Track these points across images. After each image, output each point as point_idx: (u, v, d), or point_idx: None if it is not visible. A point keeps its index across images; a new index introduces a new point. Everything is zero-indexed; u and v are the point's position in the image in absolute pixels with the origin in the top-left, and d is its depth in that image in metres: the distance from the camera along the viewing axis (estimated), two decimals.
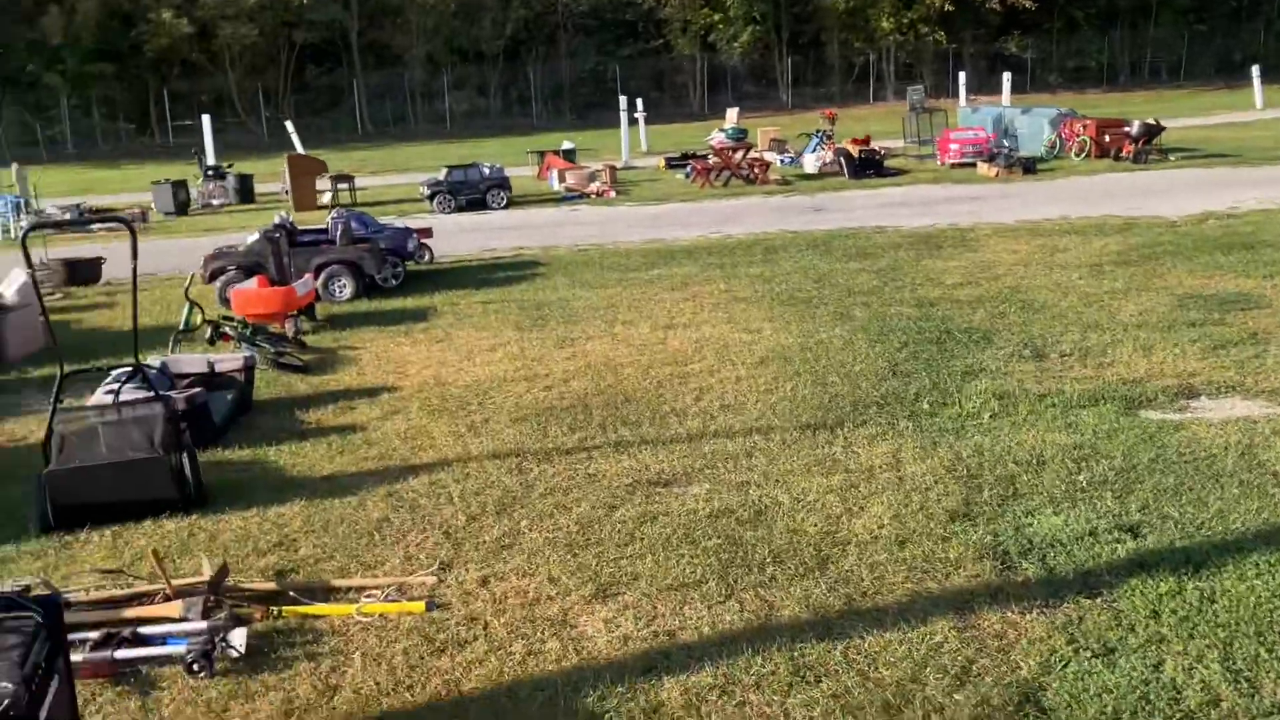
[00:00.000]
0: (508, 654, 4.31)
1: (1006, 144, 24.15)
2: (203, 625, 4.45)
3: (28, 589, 4.79)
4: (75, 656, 4.26)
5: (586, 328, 10.08)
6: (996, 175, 22.44)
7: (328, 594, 4.88)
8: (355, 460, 6.70)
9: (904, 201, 18.82)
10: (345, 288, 12.34)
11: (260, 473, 6.54)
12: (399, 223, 14.64)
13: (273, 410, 7.93)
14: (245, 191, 27.21)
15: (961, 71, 40.38)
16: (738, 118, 33.49)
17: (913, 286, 11.25)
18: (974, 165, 23.55)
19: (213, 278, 12.26)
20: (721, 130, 30.22)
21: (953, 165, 24.13)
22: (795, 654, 4.16)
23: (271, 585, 4.91)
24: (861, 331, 9.26)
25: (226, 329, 9.39)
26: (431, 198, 22.18)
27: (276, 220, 13.13)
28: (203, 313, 9.91)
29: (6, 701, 3.05)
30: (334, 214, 13.36)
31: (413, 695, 4.06)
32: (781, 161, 27.42)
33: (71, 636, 4.41)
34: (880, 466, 6.07)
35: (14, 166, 25.13)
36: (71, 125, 50.90)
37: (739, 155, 24.68)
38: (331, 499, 6.01)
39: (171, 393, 7.09)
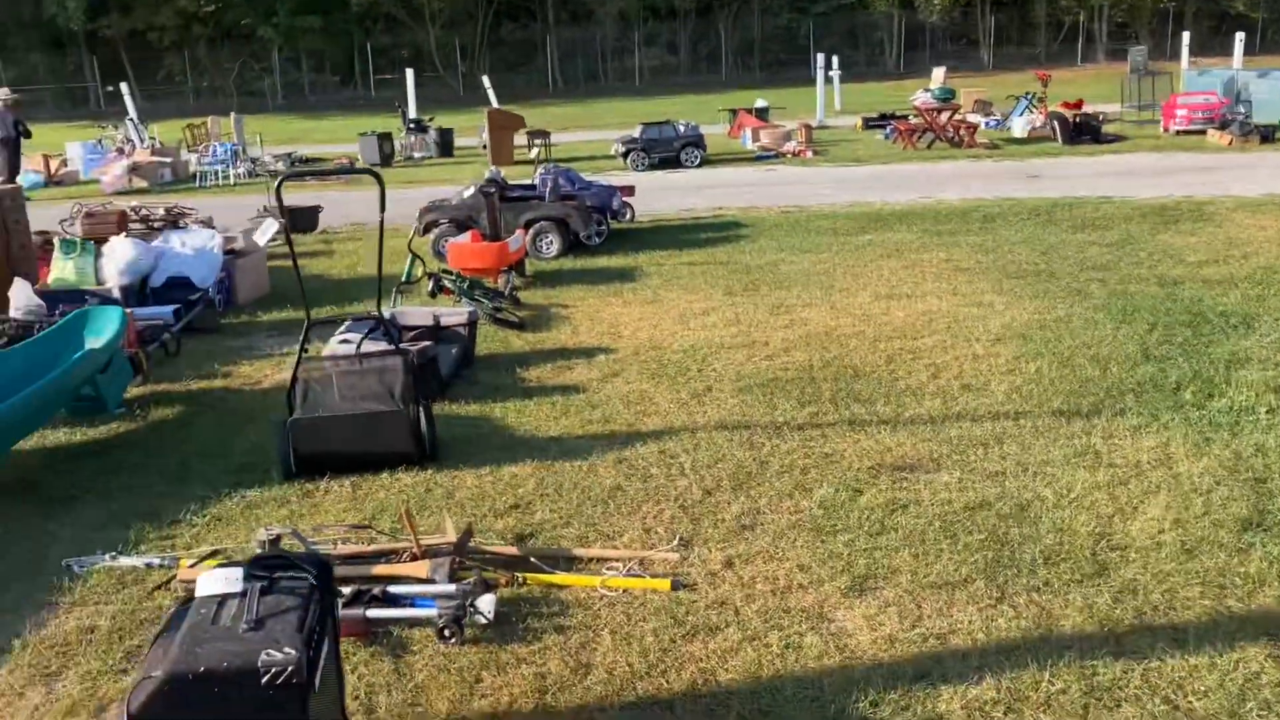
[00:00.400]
0: (764, 645, 4.06)
1: (1241, 110, 22.34)
2: (452, 588, 4.36)
3: (278, 539, 4.81)
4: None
5: (801, 294, 9.72)
6: (1230, 144, 20.84)
7: (569, 563, 4.73)
8: (580, 423, 6.56)
9: (1128, 170, 17.65)
10: (553, 244, 12.29)
11: (488, 430, 6.47)
12: (601, 180, 14.50)
13: (492, 366, 7.89)
14: (445, 145, 27.72)
15: (1184, 31, 37.71)
16: (944, 78, 32.14)
17: (1151, 263, 10.44)
18: (1203, 133, 21.94)
19: (426, 230, 12.37)
20: (926, 90, 29.04)
21: (1178, 132, 22.55)
22: (1086, 672, 3.78)
23: (514, 550, 4.79)
24: (1102, 310, 8.61)
25: (446, 283, 9.42)
26: (625, 155, 22.06)
27: (488, 175, 13.18)
28: (424, 265, 9.98)
29: (289, 669, 2.97)
30: (542, 170, 13.32)
31: (667, 681, 3.87)
32: (986, 124, 26.19)
33: None
34: (1149, 463, 5.55)
35: (233, 116, 26.28)
36: (281, 77, 53.16)
37: (944, 117, 23.65)
38: (562, 462, 5.88)
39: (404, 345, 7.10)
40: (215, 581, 3.31)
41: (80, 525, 5.37)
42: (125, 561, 4.90)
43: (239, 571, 3.32)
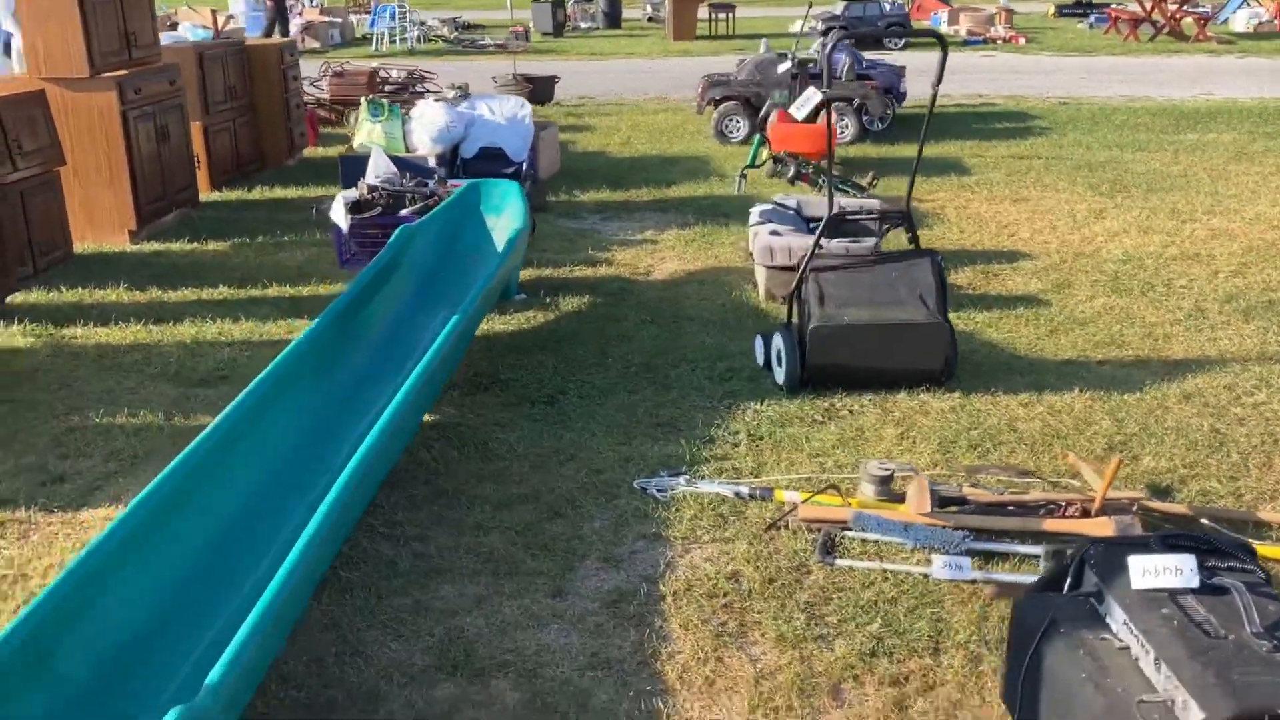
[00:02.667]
0: None
1: None
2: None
3: (892, 476, 4.04)
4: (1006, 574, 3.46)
5: (1190, 199, 8.68)
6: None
7: (1251, 527, 3.88)
8: (1081, 342, 5.73)
9: None
10: (847, 129, 11.24)
11: (973, 346, 5.64)
12: (884, 59, 13.31)
13: None
14: (613, 17, 26.48)
15: None
16: None
17: None
18: None
19: (714, 106, 11.41)
20: None
21: None
22: None
23: (1183, 508, 3.95)
24: None
25: (808, 170, 8.47)
26: (824, 34, 20.62)
27: (763, 50, 12.09)
28: (769, 148, 9.03)
29: None
30: (826, 45, 12.15)
31: None
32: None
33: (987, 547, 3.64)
34: None
35: None
36: None
37: (1172, 6, 21.81)
38: (1112, 392, 5.03)
39: (850, 241, 6.23)
40: (1150, 567, 2.49)
41: (606, 436, 4.65)
42: (708, 488, 4.16)
43: (1190, 560, 2.50)
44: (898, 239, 6.75)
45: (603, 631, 3.38)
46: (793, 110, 5.20)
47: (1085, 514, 3.86)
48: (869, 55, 13.36)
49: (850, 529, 3.85)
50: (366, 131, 9.11)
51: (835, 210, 5.18)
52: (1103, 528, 3.77)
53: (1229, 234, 7.68)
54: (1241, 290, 6.48)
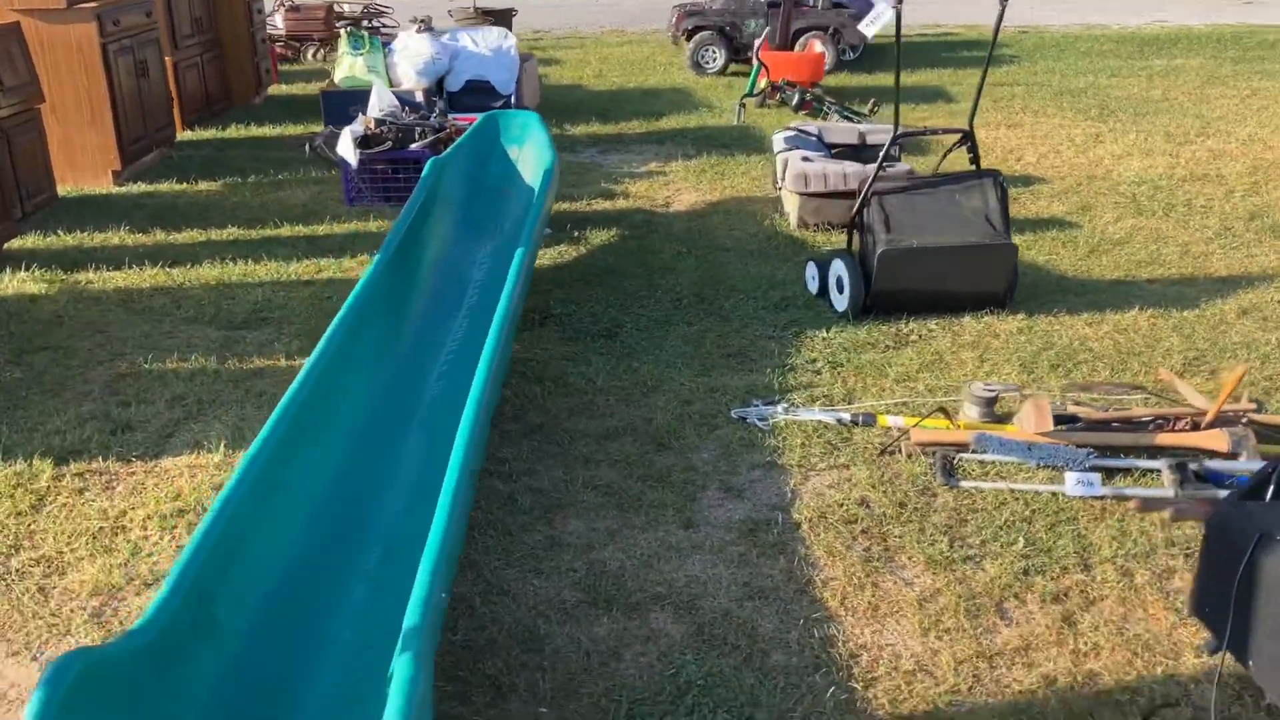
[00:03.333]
0: None
1: None
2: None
3: (996, 397, 4.01)
4: (1167, 488, 3.48)
5: (1179, 123, 8.81)
6: None
7: None
8: (1122, 263, 5.79)
9: None
10: (825, 58, 11.11)
11: (1020, 270, 5.59)
12: None
13: None
14: None
15: None
16: None
17: None
18: None
19: (688, 37, 11.21)
20: None
21: None
22: None
23: None
24: None
25: (809, 97, 8.35)
26: None
27: None
28: (768, 75, 8.88)
29: None
30: None
31: None
32: None
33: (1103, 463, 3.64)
34: None
35: None
36: None
37: None
38: (1170, 310, 5.09)
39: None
40: None
41: (683, 367, 4.56)
42: (807, 416, 4.09)
43: None
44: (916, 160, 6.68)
45: (748, 561, 3.31)
46: (861, 28, 5.06)
47: (1195, 427, 3.86)
48: None
49: (969, 451, 3.80)
50: (348, 65, 8.75)
51: (900, 130, 5.07)
52: (1217, 440, 3.78)
53: (1228, 155, 7.78)
54: (1261, 209, 6.57)
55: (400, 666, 2.17)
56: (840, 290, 5.10)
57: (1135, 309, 5.10)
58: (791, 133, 6.68)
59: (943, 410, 4.01)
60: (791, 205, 6.30)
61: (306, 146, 7.75)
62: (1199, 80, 10.48)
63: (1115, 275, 5.56)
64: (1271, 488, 2.69)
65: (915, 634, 3.01)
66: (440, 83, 8.92)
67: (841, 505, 3.57)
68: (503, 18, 13.74)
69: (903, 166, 6.15)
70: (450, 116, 7.55)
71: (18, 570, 3.25)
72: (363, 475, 3.49)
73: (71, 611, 3.09)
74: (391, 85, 8.74)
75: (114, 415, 4.14)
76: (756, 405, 4.19)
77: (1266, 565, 2.52)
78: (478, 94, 8.89)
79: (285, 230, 6.33)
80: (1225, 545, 2.68)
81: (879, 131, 6.97)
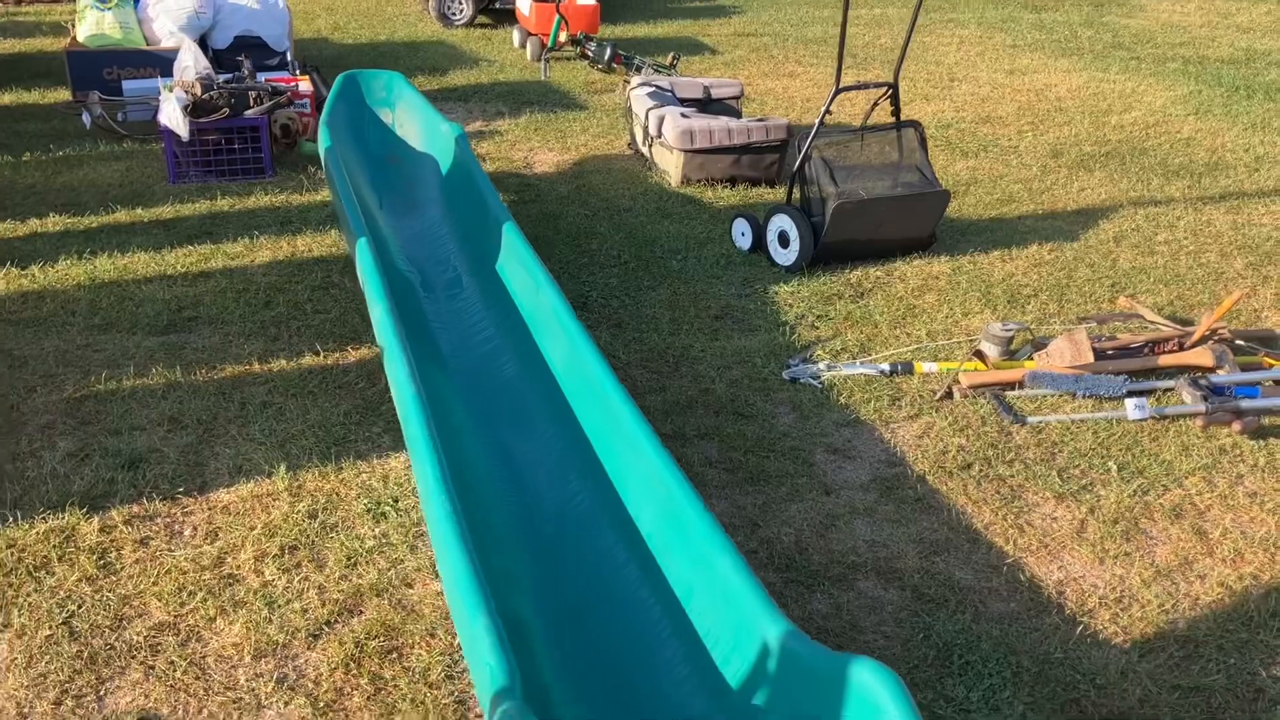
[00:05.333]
0: None
1: None
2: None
3: (1013, 335, 4.36)
4: (1192, 404, 3.96)
5: (918, 69, 9.61)
6: None
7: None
8: (984, 201, 6.33)
9: None
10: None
11: None
12: None
13: None
14: None
15: None
16: None
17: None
18: None
19: None
20: None
21: None
22: None
23: (1265, 330, 4.61)
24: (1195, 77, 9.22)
25: (618, 50, 8.33)
26: None
27: None
28: (568, 28, 8.73)
29: None
30: None
31: None
32: None
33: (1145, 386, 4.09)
34: None
35: None
36: None
37: None
38: (1054, 242, 5.67)
39: (755, 121, 6.36)
40: None
41: (687, 334, 4.55)
42: (850, 370, 4.23)
43: None
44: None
45: (906, 519, 3.39)
46: None
47: (1180, 347, 4.35)
48: None
49: (1021, 388, 4.06)
50: (94, 21, 7.70)
51: (840, 86, 5.22)
52: (1204, 357, 4.28)
53: (991, 99, 8.62)
54: (1057, 146, 7.38)
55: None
56: (784, 245, 5.20)
57: (1034, 245, 5.59)
58: (652, 88, 6.65)
59: (978, 354, 4.24)
60: (673, 162, 6.30)
61: (85, 118, 6.74)
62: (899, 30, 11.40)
63: (990, 215, 6.05)
64: None
65: (1094, 563, 3.22)
66: (203, 40, 8.04)
67: (944, 454, 3.72)
68: None
69: (780, 120, 6.31)
70: (260, 78, 6.84)
71: (142, 644, 2.72)
72: (501, 476, 3.21)
73: (250, 680, 2.64)
74: (148, 43, 7.78)
75: (110, 448, 3.51)
76: (796, 364, 4.23)
77: None
78: (250, 50, 8.08)
79: (122, 215, 5.54)
80: None
81: (722, 86, 7.10)
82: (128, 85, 7.19)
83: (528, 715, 1.95)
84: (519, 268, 4.13)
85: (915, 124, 5.35)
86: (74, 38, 7.69)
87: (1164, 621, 2.99)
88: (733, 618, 2.46)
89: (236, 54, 8.10)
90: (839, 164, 5.16)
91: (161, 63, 7.63)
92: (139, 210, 5.59)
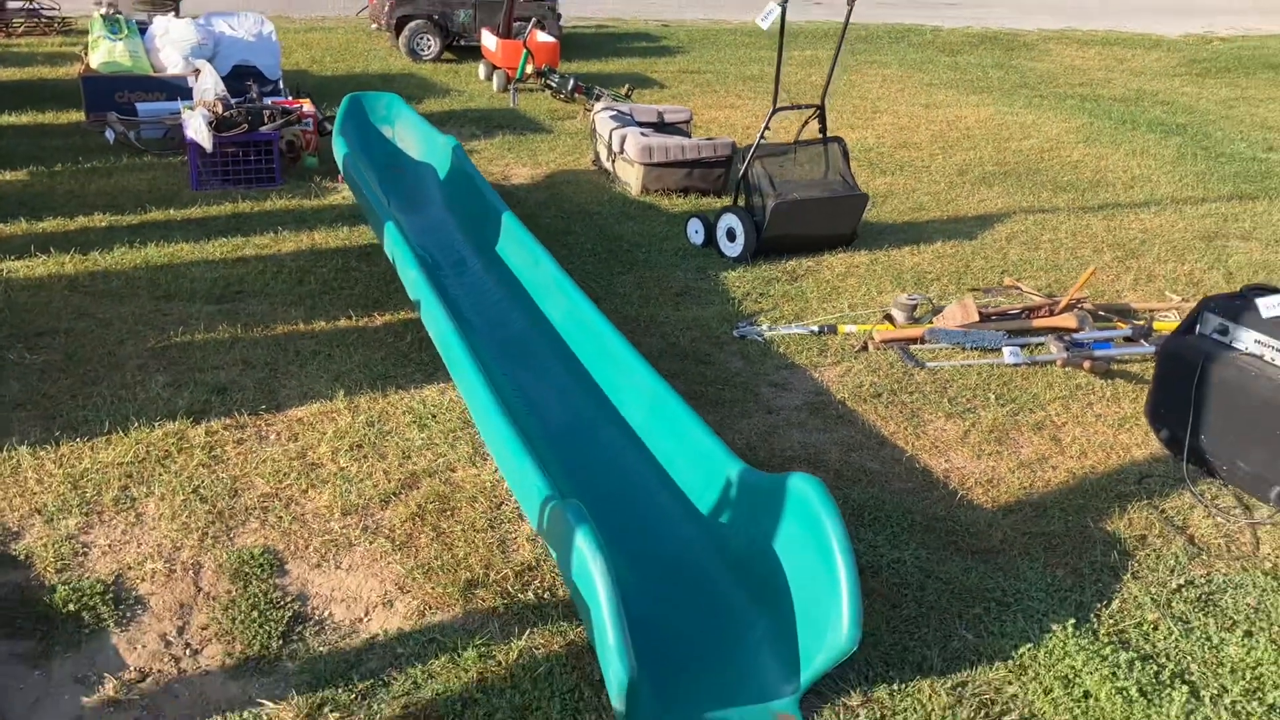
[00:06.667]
0: None
1: None
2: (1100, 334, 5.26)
3: (916, 305, 5.41)
4: (1057, 354, 5.02)
5: (843, 103, 10.71)
6: None
7: (1128, 314, 5.76)
8: (899, 209, 7.35)
9: None
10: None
11: None
12: None
13: None
14: None
15: None
16: None
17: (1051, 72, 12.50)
18: None
19: (399, 28, 11.76)
20: None
21: None
22: None
23: (1122, 303, 5.70)
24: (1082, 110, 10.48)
25: (579, 81, 9.36)
26: None
27: None
28: (534, 61, 9.76)
29: None
30: None
31: None
32: None
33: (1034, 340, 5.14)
34: None
35: None
36: None
37: None
38: (957, 240, 6.71)
39: (704, 140, 7.40)
40: (1272, 303, 4.07)
41: (657, 305, 5.51)
42: (786, 331, 5.25)
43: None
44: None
45: (830, 429, 4.39)
46: (759, 21, 6.15)
47: (1051, 313, 5.44)
48: None
49: (922, 342, 5.11)
50: (106, 50, 8.57)
51: (821, 104, 6.25)
52: (1069, 321, 5.37)
53: (908, 127, 9.78)
54: (964, 166, 8.51)
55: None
56: (731, 240, 6.22)
57: (938, 242, 6.67)
58: (614, 112, 7.68)
59: (888, 317, 5.29)
60: (634, 174, 7.31)
61: (109, 134, 7.61)
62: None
63: (903, 220, 7.13)
64: (1197, 327, 4.19)
65: (973, 459, 4.24)
66: None
67: (860, 387, 4.73)
68: (170, 1, 13.36)
69: (726, 139, 7.35)
70: (267, 101, 7.76)
71: (255, 506, 3.62)
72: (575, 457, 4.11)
73: (342, 528, 3.55)
74: (155, 70, 8.66)
75: (199, 380, 4.39)
76: (744, 326, 5.23)
77: (1212, 371, 4.01)
78: (246, 79, 8.98)
79: (157, 214, 6.40)
80: (1175, 365, 4.15)
81: (673, 112, 8.15)
82: (142, 107, 8.05)
83: (565, 500, 2.89)
84: (518, 248, 5.09)
85: (839, 140, 6.42)
86: (87, 65, 8.53)
87: (1022, 495, 4.01)
88: (705, 468, 3.43)
89: (235, 81, 9.03)
90: (776, 173, 6.20)
91: (168, 88, 8.52)
92: (171, 210, 6.44)
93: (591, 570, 2.68)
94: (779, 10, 5.84)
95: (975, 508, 3.88)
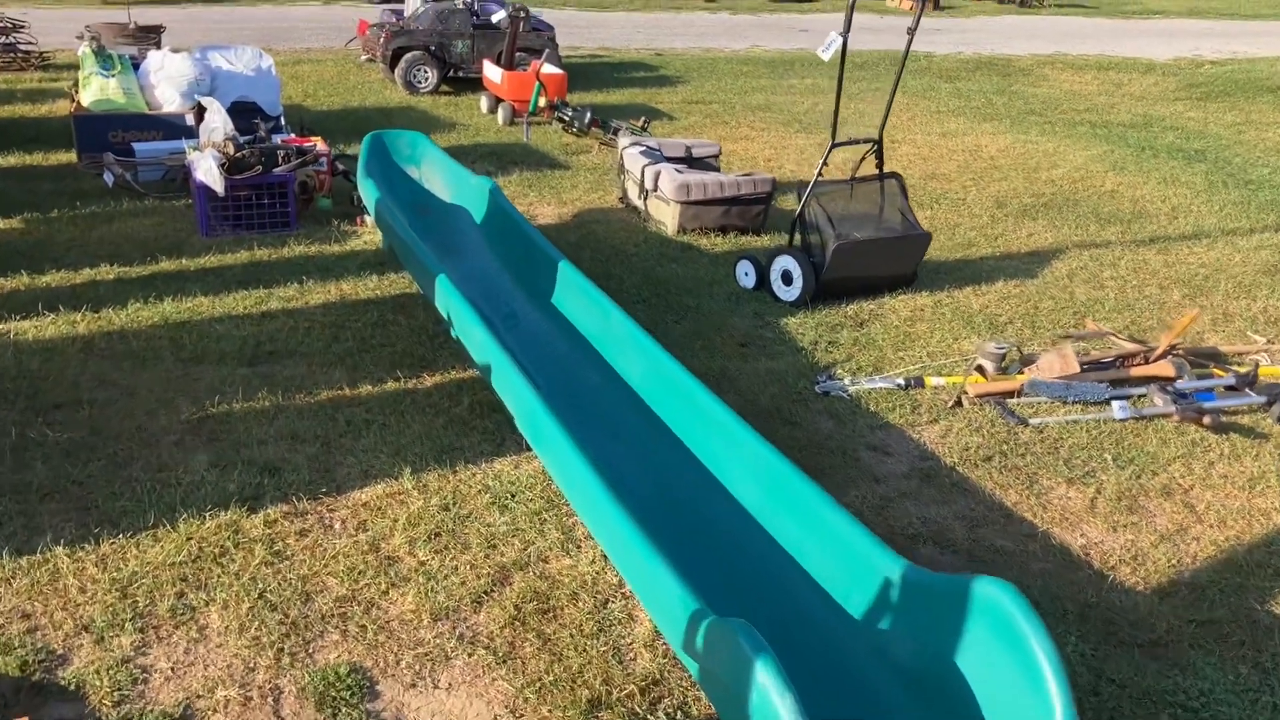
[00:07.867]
0: None
1: None
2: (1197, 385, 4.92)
3: (1005, 353, 5.03)
4: (1164, 406, 4.66)
5: (857, 131, 10.35)
6: (910, 8, 23.61)
7: (1221, 359, 5.42)
8: (947, 246, 7.00)
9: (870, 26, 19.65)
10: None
11: None
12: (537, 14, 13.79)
13: None
14: None
15: None
16: None
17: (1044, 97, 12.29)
18: None
19: (394, 60, 11.34)
20: None
21: None
22: None
23: (1210, 348, 5.35)
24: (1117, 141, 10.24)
25: (590, 115, 8.96)
26: None
27: None
28: (546, 94, 9.36)
29: None
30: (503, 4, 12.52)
31: None
32: None
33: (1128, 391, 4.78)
34: None
35: None
36: None
37: None
38: (1018, 279, 6.37)
39: (743, 176, 7.04)
40: None
41: (721, 357, 5.09)
42: (870, 385, 4.86)
43: None
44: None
45: (947, 500, 3.99)
46: (820, 52, 5.80)
47: (1146, 360, 5.08)
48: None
49: (1020, 396, 4.73)
50: (99, 87, 8.08)
51: (880, 138, 5.89)
52: (1167, 369, 5.01)
53: (931, 159, 9.46)
54: (1001, 198, 8.19)
55: None
56: (788, 283, 5.83)
57: (1000, 282, 6.31)
58: (643, 148, 7.29)
59: (979, 368, 4.90)
60: (670, 213, 6.91)
61: (107, 177, 7.11)
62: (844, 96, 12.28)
63: (955, 257, 6.78)
64: None
65: (1108, 531, 3.86)
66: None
67: (967, 450, 4.34)
68: (153, 33, 12.87)
69: (765, 175, 6.97)
70: (276, 138, 7.31)
71: (332, 613, 3.17)
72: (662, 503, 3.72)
73: (435, 638, 3.10)
74: (150, 108, 8.19)
75: (247, 459, 3.93)
76: (824, 380, 4.83)
77: None
78: (246, 115, 8.52)
79: (168, 265, 5.93)
80: None
81: (701, 146, 7.77)
82: (139, 147, 7.56)
83: (727, 620, 2.47)
84: (581, 299, 4.66)
85: (896, 175, 6.05)
86: (78, 103, 8.02)
87: (1173, 573, 3.62)
88: (847, 558, 3.01)
89: (234, 118, 8.54)
90: (835, 211, 5.82)
91: (165, 126, 8.03)
92: (183, 260, 5.96)
93: (779, 710, 2.25)
94: (840, 41, 5.47)
95: (1127, 591, 3.49)
